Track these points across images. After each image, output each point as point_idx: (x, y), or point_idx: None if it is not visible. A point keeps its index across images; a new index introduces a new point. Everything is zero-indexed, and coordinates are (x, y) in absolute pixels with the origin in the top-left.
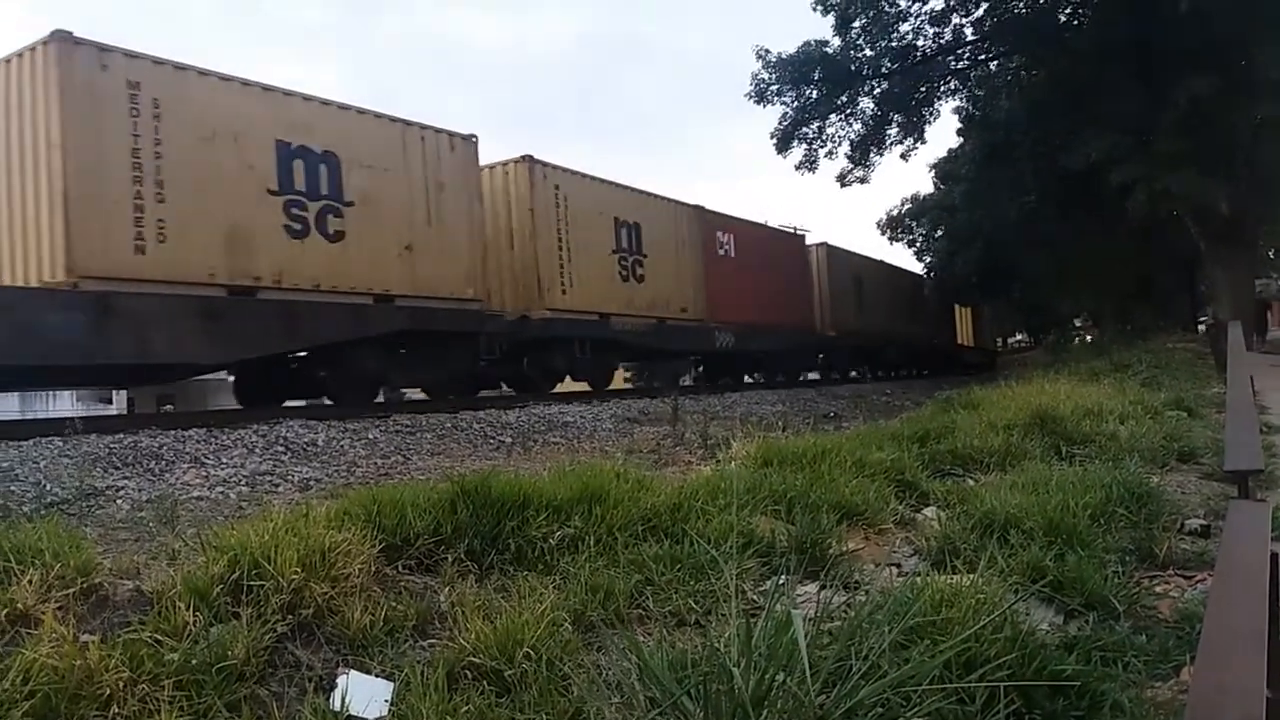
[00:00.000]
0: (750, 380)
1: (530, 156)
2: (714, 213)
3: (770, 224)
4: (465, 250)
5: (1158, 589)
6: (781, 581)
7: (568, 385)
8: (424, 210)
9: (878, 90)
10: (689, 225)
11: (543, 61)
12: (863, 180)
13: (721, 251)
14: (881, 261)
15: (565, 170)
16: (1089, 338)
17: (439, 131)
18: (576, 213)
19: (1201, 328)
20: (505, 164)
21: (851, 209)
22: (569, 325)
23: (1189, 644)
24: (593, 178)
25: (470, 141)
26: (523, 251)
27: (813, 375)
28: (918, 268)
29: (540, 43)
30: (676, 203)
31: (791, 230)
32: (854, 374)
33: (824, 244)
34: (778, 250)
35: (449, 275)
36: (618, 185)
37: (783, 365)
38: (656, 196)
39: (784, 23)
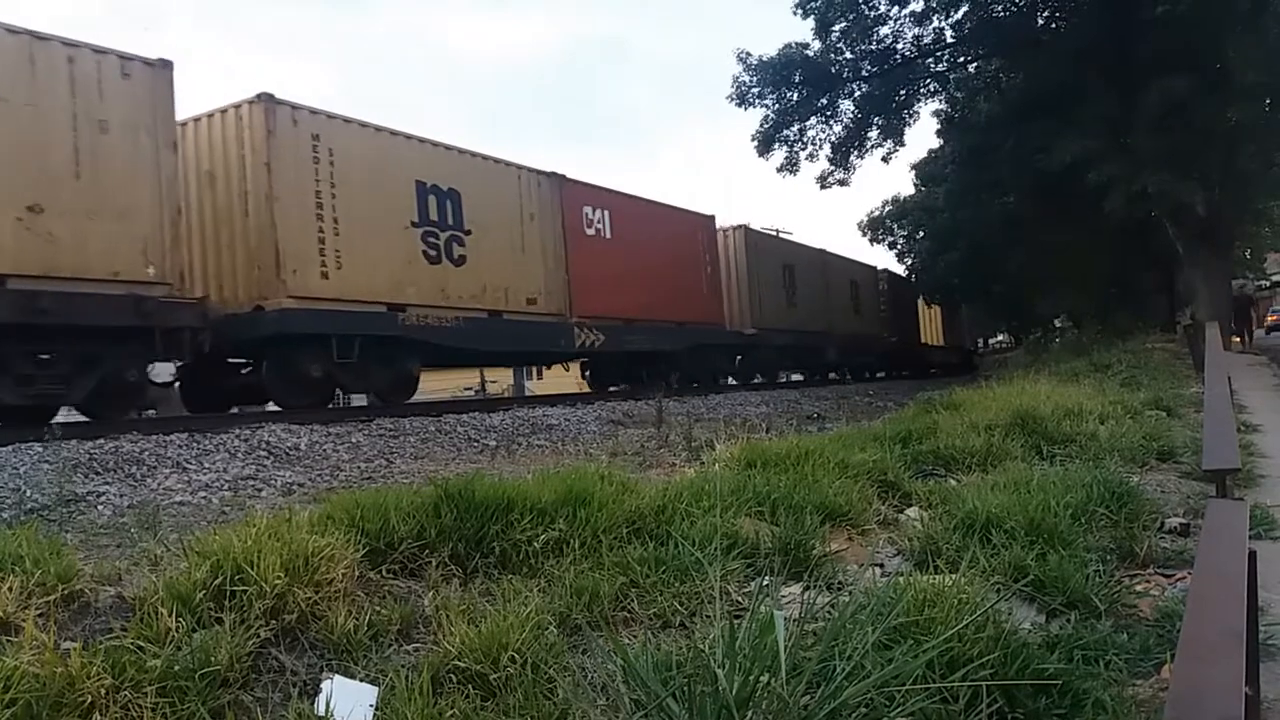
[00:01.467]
0: (615, 389)
1: (269, 95)
2: (579, 183)
3: (674, 204)
4: (144, 215)
5: (1138, 588)
6: (765, 583)
7: (560, 386)
8: (65, 155)
9: (858, 93)
10: (541, 196)
11: (528, 65)
12: (843, 183)
13: (591, 231)
14: (822, 251)
15: (333, 117)
16: (1058, 341)
17: (99, 51)
18: (351, 172)
19: (1179, 328)
20: (238, 106)
21: (845, 213)
22: (331, 319)
23: (1169, 642)
24: (379, 128)
25: (157, 68)
26: (257, 219)
27: (744, 380)
28: (899, 269)
29: (525, 46)
30: (521, 168)
31: (696, 212)
32: (795, 377)
33: (742, 227)
34: (675, 233)
35: (108, 249)
36: (424, 141)
37: (679, 367)
38: (487, 158)
39: (767, 27)
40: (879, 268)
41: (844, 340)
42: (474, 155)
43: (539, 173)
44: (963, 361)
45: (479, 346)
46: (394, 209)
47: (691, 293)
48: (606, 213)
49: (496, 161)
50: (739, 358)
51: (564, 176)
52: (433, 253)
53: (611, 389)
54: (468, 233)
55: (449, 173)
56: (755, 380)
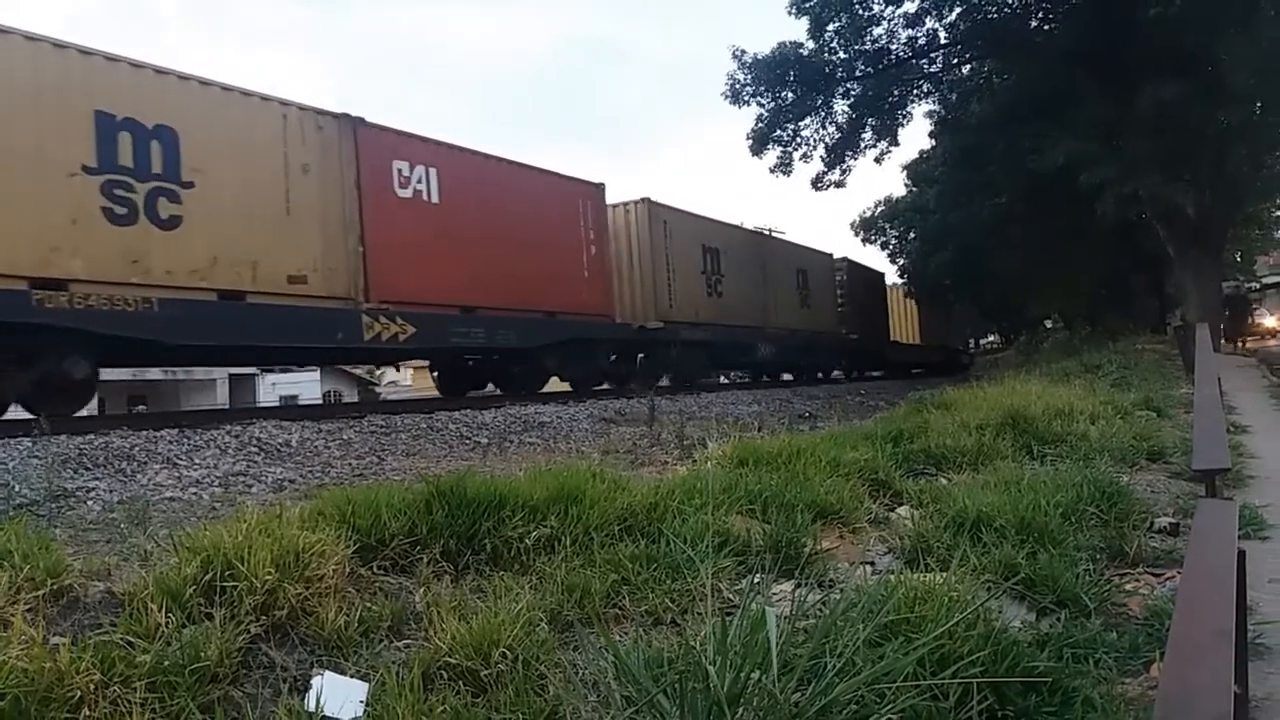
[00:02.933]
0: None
1: None
2: (388, 130)
3: (545, 167)
4: None
5: (1128, 586)
6: (757, 580)
7: (552, 385)
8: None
9: (852, 93)
10: (323, 143)
11: (528, 64)
12: (838, 184)
13: (406, 192)
14: (759, 233)
15: None
16: (1048, 341)
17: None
18: None
19: (1170, 329)
20: None
21: (841, 215)
22: None
23: (1159, 640)
24: (36, 37)
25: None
26: None
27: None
28: (891, 269)
29: (518, 44)
30: (289, 104)
31: (576, 178)
32: (723, 379)
33: (645, 200)
34: (544, 203)
35: None
36: (116, 60)
37: (546, 367)
38: (230, 89)
39: (763, 27)
40: (837, 256)
41: (786, 337)
42: (206, 83)
43: (321, 113)
44: (946, 361)
45: (200, 340)
46: (52, 148)
47: (567, 277)
48: (433, 171)
49: (245, 94)
50: (640, 356)
51: (362, 120)
52: (121, 210)
53: (471, 393)
54: (187, 185)
55: (159, 104)
56: (662, 383)
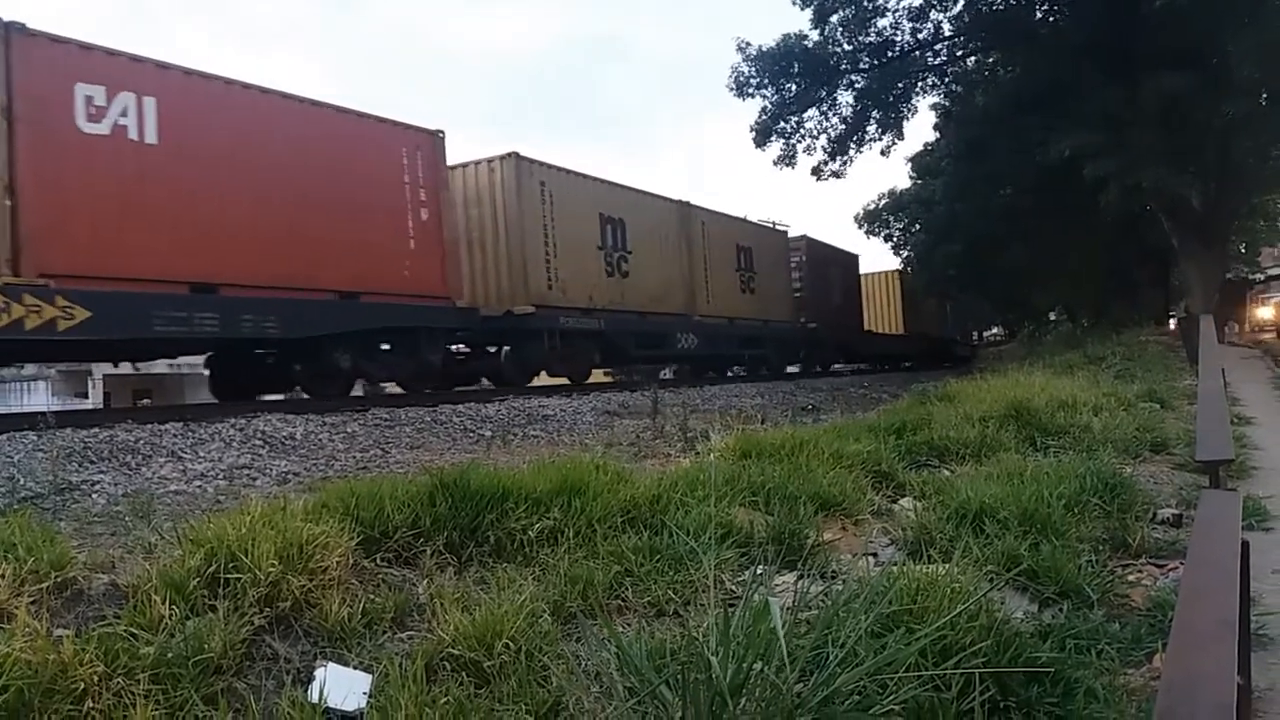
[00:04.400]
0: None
1: None
2: (70, 42)
3: (342, 106)
4: None
5: (1130, 578)
6: (759, 572)
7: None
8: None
9: (856, 85)
10: None
11: (522, 60)
12: (837, 175)
13: (98, 127)
14: (683, 203)
15: None
16: (1052, 333)
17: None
18: None
19: (1173, 321)
20: None
21: (846, 208)
22: None
23: (1161, 631)
24: None
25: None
26: None
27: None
28: (895, 261)
29: (519, 42)
30: None
31: (398, 123)
32: (792, 369)
33: (512, 155)
34: (334, 152)
35: None
36: None
37: (348, 358)
38: None
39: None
40: (792, 233)
41: (721, 327)
42: None
43: None
44: (934, 353)
45: None
46: None
47: (379, 248)
48: (149, 102)
49: None
50: (504, 349)
51: (21, 26)
52: None
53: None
54: None
55: None
56: (531, 383)
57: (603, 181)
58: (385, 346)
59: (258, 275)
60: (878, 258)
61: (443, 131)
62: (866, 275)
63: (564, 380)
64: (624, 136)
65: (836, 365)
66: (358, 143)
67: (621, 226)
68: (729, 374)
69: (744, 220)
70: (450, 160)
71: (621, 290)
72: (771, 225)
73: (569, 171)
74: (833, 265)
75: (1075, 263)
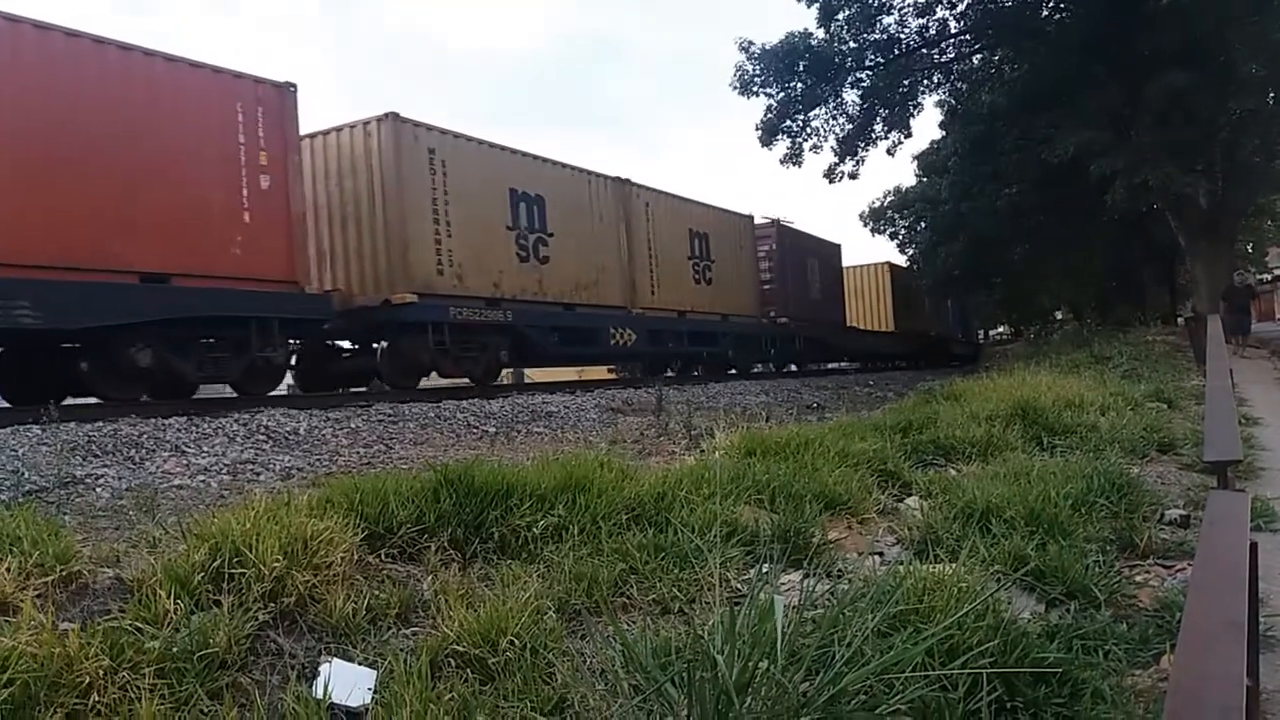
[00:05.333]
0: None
1: None
2: None
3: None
4: None
5: (1138, 578)
6: (765, 570)
7: (550, 375)
8: None
9: (862, 83)
10: None
11: (522, 60)
12: (853, 176)
13: None
14: (621, 180)
15: None
16: (1058, 332)
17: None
18: None
19: (1181, 320)
20: None
21: (853, 207)
22: None
23: (1169, 632)
24: None
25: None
26: None
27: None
28: (900, 259)
29: (519, 41)
30: None
31: (217, 68)
32: (793, 366)
33: (391, 116)
34: (134, 103)
35: None
36: None
37: (136, 363)
38: None
39: (770, 17)
40: (760, 219)
41: (669, 321)
42: None
43: None
44: (929, 352)
45: None
46: None
47: (204, 223)
48: None
49: None
50: (382, 345)
51: None
52: None
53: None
54: None
55: None
56: (407, 386)
57: (514, 152)
58: (210, 340)
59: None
60: (883, 256)
61: (294, 84)
62: (852, 268)
63: (463, 380)
64: (629, 135)
65: (827, 365)
66: (170, 93)
67: (540, 205)
68: (730, 371)
69: (699, 203)
70: (333, 124)
71: (539, 278)
72: (772, 214)
73: (468, 138)
74: (810, 255)
75: (1081, 262)
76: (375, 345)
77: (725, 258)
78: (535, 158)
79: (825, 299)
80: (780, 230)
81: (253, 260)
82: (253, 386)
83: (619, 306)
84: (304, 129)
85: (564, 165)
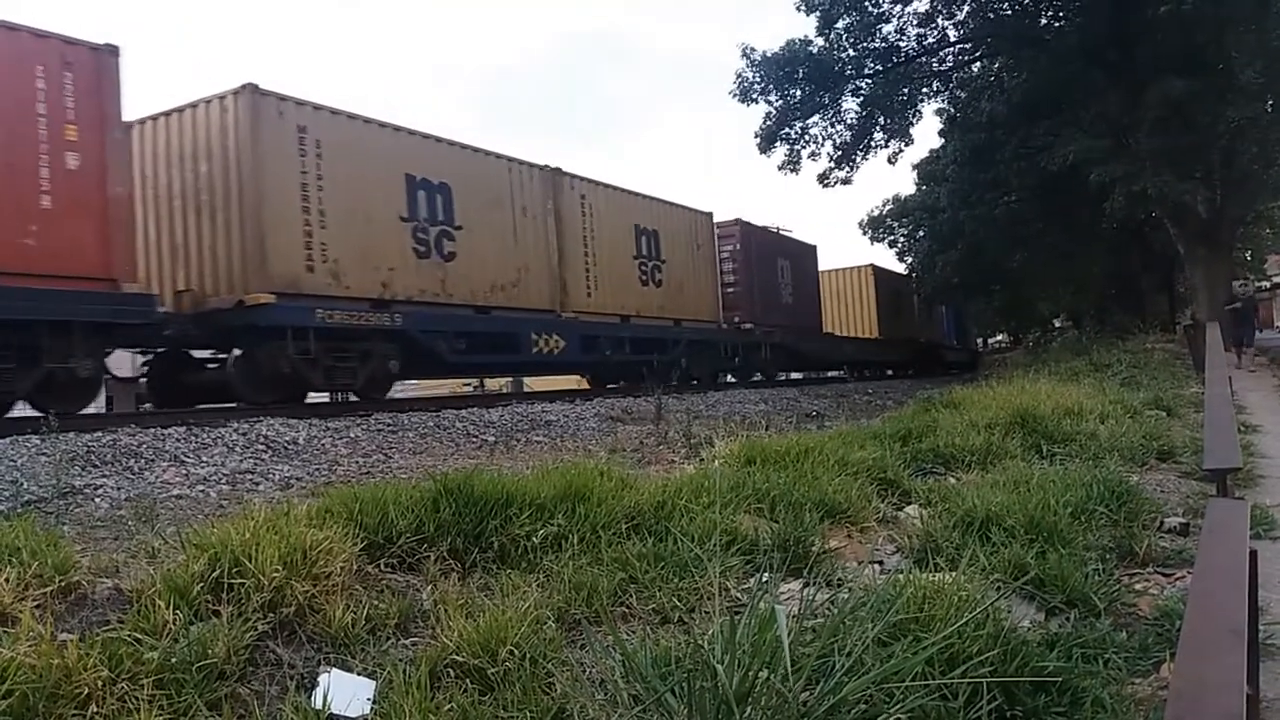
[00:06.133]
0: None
1: None
2: None
3: None
4: None
5: (1138, 586)
6: (765, 579)
7: (552, 384)
8: None
9: (861, 91)
10: None
11: (520, 61)
12: (845, 181)
13: None
14: (546, 169)
15: None
16: (1057, 340)
17: None
18: None
19: (1180, 328)
20: None
21: (853, 215)
22: None
23: (1169, 641)
24: None
25: None
26: None
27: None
28: (900, 268)
29: (515, 43)
30: None
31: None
32: (794, 375)
33: (249, 88)
34: None
35: None
36: None
37: None
38: None
39: (770, 22)
40: (720, 218)
41: (611, 326)
42: None
43: None
44: (917, 361)
45: None
46: None
47: None
48: None
49: None
50: (235, 354)
51: None
52: None
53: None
54: None
55: None
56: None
57: (412, 133)
58: None
59: None
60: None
61: (115, 46)
62: (832, 271)
63: (324, 396)
64: (630, 138)
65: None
66: None
67: (446, 194)
68: (731, 380)
69: (648, 197)
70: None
71: (442, 276)
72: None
73: (350, 115)
74: (781, 257)
75: (1080, 269)
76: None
77: (679, 258)
78: (439, 140)
79: (799, 303)
80: (745, 229)
81: (52, 254)
82: (54, 403)
83: (546, 310)
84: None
85: (477, 150)
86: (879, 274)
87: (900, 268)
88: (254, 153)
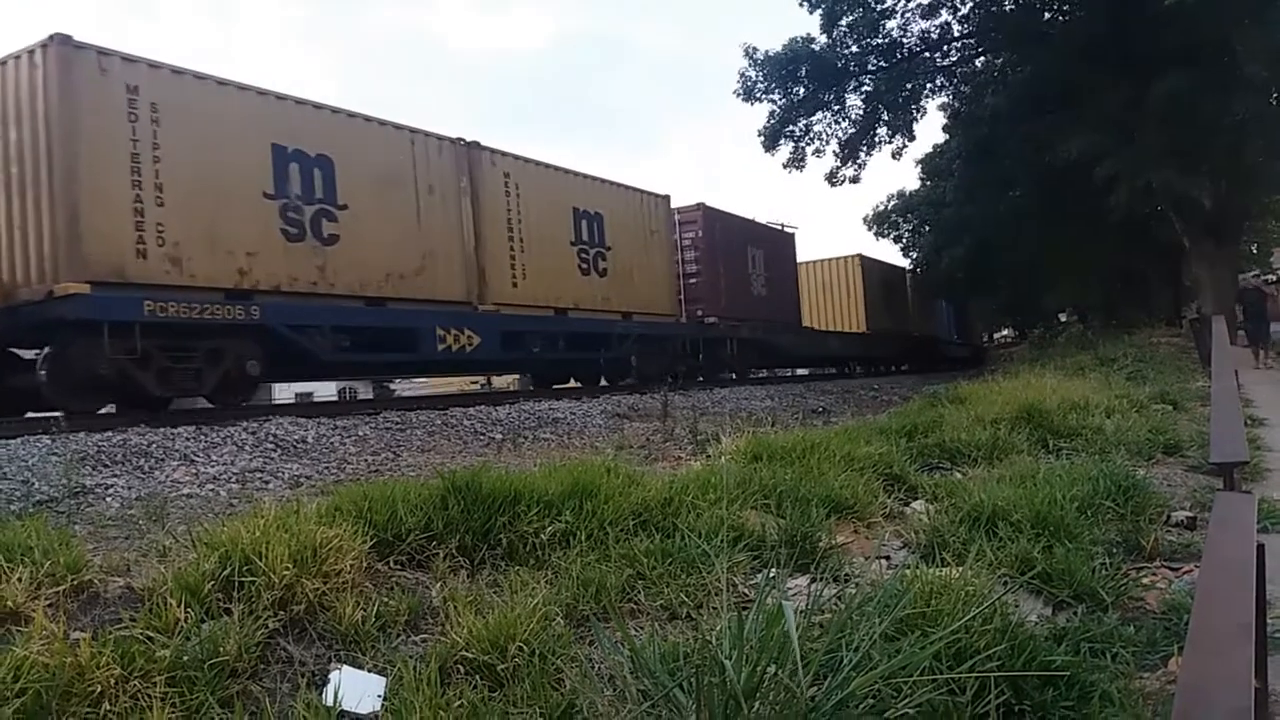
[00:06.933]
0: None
1: None
2: None
3: None
4: None
5: (1145, 581)
6: (772, 575)
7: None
8: None
9: (864, 88)
10: None
11: (521, 60)
12: (854, 180)
13: None
14: (467, 145)
15: None
16: (1063, 335)
17: None
18: None
19: (1186, 322)
20: None
21: (860, 212)
22: None
23: (1176, 635)
24: None
25: None
26: None
27: None
28: (904, 263)
29: (517, 41)
30: None
31: None
32: (801, 371)
33: (58, 39)
34: None
35: None
36: None
37: None
38: None
39: (773, 19)
40: (679, 203)
41: (533, 321)
42: None
43: None
44: (918, 355)
45: None
46: None
47: None
48: None
49: None
50: (48, 350)
51: None
52: None
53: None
54: None
55: None
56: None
57: (280, 98)
58: None
59: None
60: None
61: None
62: (816, 262)
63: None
64: (632, 138)
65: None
66: None
67: (327, 169)
68: (733, 377)
69: (589, 177)
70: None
71: (320, 264)
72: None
73: (199, 76)
74: (752, 245)
75: (1085, 264)
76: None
77: (628, 245)
78: (319, 106)
79: (773, 295)
80: (708, 214)
81: None
82: None
83: (459, 302)
84: None
85: (370, 119)
86: (867, 264)
87: (905, 263)
88: (66, 116)
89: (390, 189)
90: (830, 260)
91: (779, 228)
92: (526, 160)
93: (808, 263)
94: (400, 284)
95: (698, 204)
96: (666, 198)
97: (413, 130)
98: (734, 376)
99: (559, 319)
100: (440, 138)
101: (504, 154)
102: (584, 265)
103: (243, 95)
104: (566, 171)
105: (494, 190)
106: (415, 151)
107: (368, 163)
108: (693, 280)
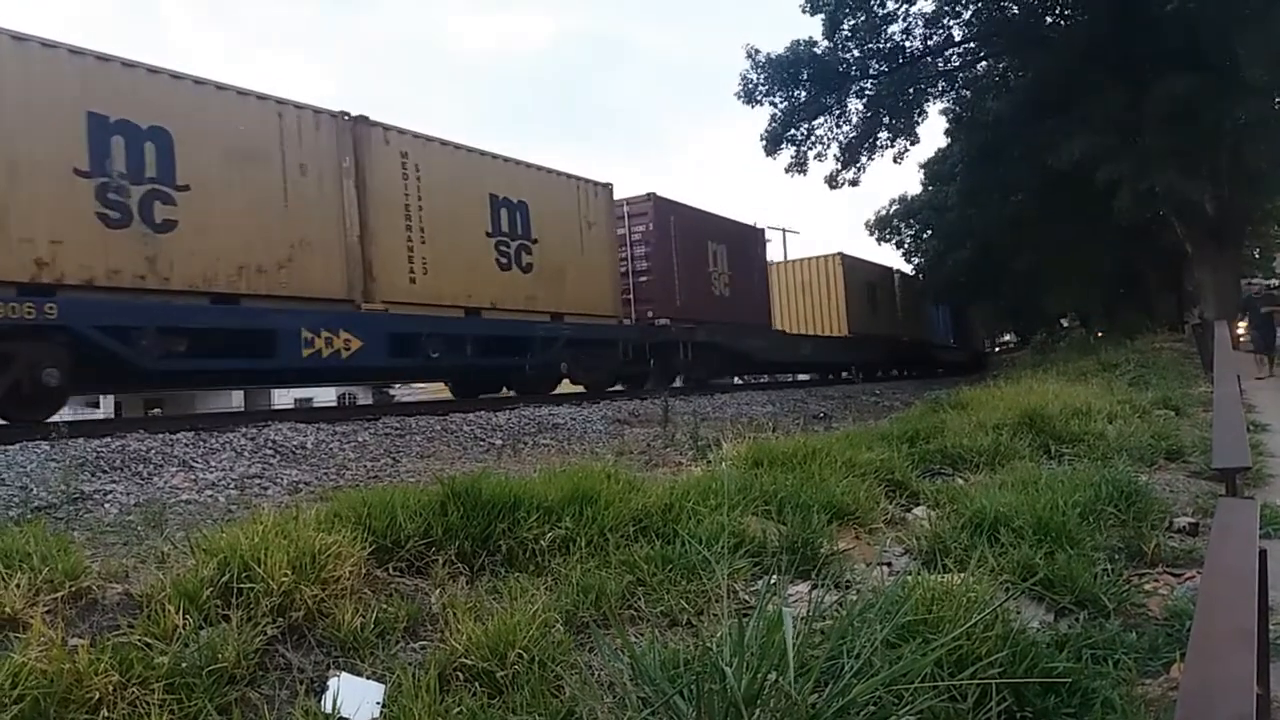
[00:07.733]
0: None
1: None
2: None
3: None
4: None
5: (1147, 587)
6: (773, 581)
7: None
8: None
9: (866, 92)
10: None
11: (523, 61)
12: (853, 183)
13: None
14: (352, 119)
15: None
16: (1065, 340)
17: None
18: None
19: (1188, 327)
20: None
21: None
22: None
23: (1179, 641)
24: None
25: None
26: None
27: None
28: (906, 268)
29: (519, 42)
30: None
31: None
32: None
33: None
34: None
35: None
36: None
37: None
38: None
39: (775, 23)
40: (623, 194)
41: (435, 324)
42: None
43: None
44: (908, 360)
45: None
46: None
47: None
48: None
49: None
50: None
51: None
52: None
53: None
54: None
55: None
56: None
57: (100, 58)
58: None
59: None
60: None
61: None
62: (793, 261)
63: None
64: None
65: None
66: None
67: (161, 142)
68: (737, 382)
69: (509, 160)
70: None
71: (152, 253)
72: (779, 223)
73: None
74: (713, 241)
75: (1087, 268)
76: None
77: (559, 237)
78: (156, 71)
79: (738, 296)
80: (661, 206)
81: None
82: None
83: (337, 299)
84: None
85: (223, 86)
86: (848, 264)
87: (908, 268)
88: None
89: (248, 168)
90: (809, 259)
91: (749, 224)
92: (430, 139)
93: (784, 262)
94: (259, 279)
95: (648, 194)
96: (608, 186)
97: (280, 101)
98: (680, 384)
99: (469, 320)
100: (318, 110)
101: (401, 131)
102: (504, 260)
103: (47, 53)
104: (483, 154)
105: (388, 172)
106: (284, 125)
107: (219, 137)
108: (643, 278)
